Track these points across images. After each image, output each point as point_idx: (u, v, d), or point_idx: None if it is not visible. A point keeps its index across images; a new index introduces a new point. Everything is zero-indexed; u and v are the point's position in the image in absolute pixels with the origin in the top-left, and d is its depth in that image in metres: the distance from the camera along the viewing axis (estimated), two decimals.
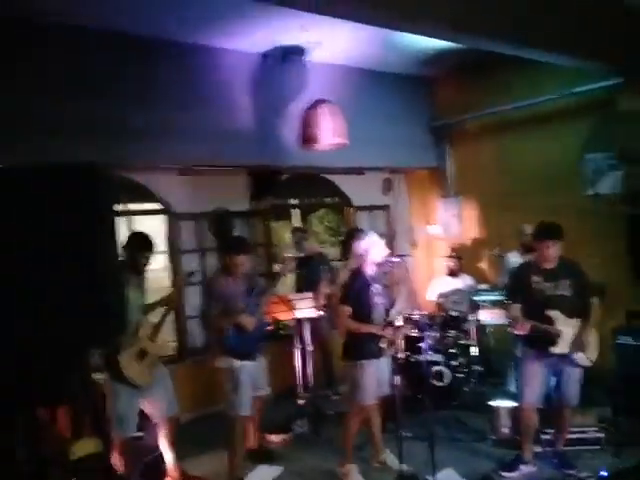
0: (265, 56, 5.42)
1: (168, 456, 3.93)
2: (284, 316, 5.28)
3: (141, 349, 3.67)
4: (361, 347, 3.90)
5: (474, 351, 5.43)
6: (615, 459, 3.95)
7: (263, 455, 4.44)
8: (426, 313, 5.56)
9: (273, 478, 4.14)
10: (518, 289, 3.88)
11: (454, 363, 5.26)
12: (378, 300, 3.97)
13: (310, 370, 5.25)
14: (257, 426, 4.48)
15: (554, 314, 3.75)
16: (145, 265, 3.83)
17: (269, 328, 5.72)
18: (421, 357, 4.85)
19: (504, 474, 3.90)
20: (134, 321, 3.66)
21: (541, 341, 3.76)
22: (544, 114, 5.97)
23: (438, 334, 5.39)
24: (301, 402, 5.09)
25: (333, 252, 7.51)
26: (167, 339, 4.04)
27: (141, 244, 3.81)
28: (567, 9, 4.35)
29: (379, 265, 4.05)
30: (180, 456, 4.06)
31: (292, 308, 5.05)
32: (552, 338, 3.74)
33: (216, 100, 5.07)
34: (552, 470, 3.96)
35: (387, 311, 4.02)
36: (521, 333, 3.74)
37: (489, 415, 4.51)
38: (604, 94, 5.40)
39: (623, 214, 5.12)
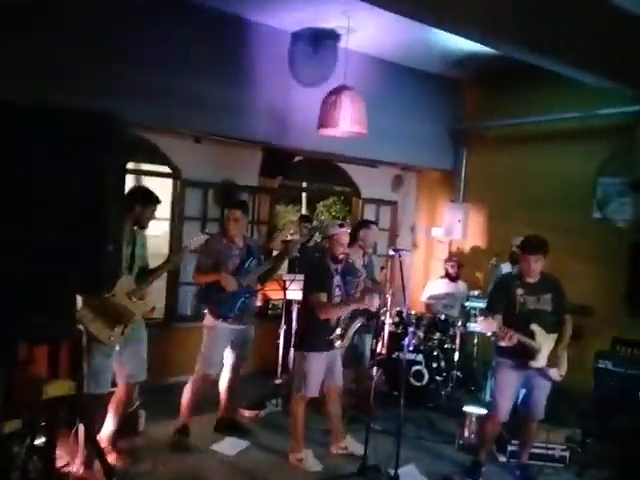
0: (296, 36, 5.42)
1: (109, 423, 3.78)
2: (275, 295, 5.34)
3: (114, 306, 3.53)
4: (312, 339, 3.92)
5: (456, 356, 5.46)
6: (577, 478, 4.00)
7: (232, 427, 4.49)
8: (414, 312, 5.59)
9: (238, 451, 4.20)
10: (501, 300, 3.89)
11: (434, 365, 5.30)
12: (338, 292, 3.99)
13: (292, 352, 5.29)
14: (229, 398, 4.50)
15: (535, 328, 3.77)
16: (142, 221, 3.77)
17: (258, 304, 5.79)
18: (402, 355, 4.87)
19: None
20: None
21: (521, 354, 3.78)
22: (564, 132, 5.93)
23: (423, 335, 5.42)
24: (278, 381, 5.14)
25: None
26: (153, 301, 3.95)
27: (144, 197, 3.75)
28: (601, 29, 4.30)
29: (345, 258, 4.05)
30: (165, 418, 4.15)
31: (284, 288, 5.10)
32: (532, 352, 3.75)
33: (240, 73, 5.09)
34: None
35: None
36: (506, 345, 3.74)
37: (460, 420, 4.54)
38: (626, 120, 5.36)
39: (626, 241, 5.09)
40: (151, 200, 3.77)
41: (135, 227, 3.77)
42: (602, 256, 5.49)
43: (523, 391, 3.94)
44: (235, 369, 4.42)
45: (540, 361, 3.77)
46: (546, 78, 5.24)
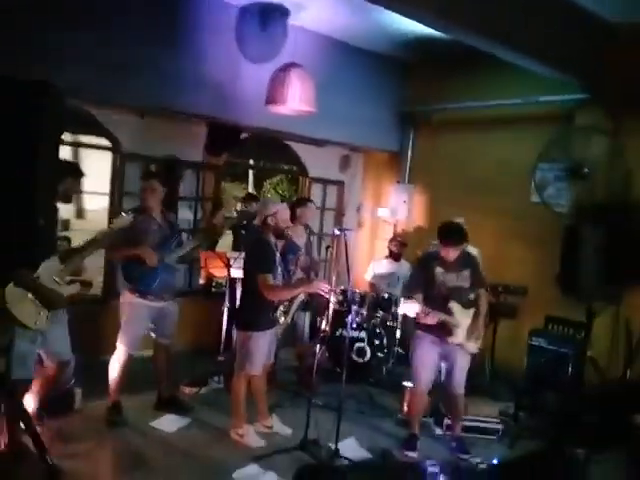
0: (244, 10, 5.28)
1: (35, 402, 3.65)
2: (218, 272, 5.28)
3: (41, 289, 3.30)
4: (256, 318, 3.90)
5: (398, 333, 5.58)
6: (509, 450, 4.17)
7: (172, 404, 4.43)
8: (358, 290, 5.66)
9: (179, 428, 4.16)
10: (420, 279, 4.01)
11: (377, 342, 5.40)
12: (279, 271, 3.97)
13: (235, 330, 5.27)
14: (164, 376, 4.42)
15: (454, 305, 3.92)
16: (67, 196, 3.54)
17: (201, 282, 5.72)
18: (345, 331, 4.93)
19: (408, 453, 4.05)
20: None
21: (439, 330, 3.92)
22: (508, 117, 6.08)
23: (366, 313, 5.50)
24: (221, 359, 5.11)
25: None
26: (84, 279, 3.76)
27: (67, 171, 3.52)
28: (548, 19, 4.44)
29: (282, 235, 4.02)
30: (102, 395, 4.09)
31: (228, 266, 5.04)
32: (451, 329, 3.90)
33: (185, 45, 4.92)
34: (444, 453, 4.13)
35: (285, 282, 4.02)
36: (428, 323, 3.85)
37: (399, 395, 4.65)
38: (566, 107, 5.55)
39: (561, 225, 5.29)
40: (73, 173, 3.56)
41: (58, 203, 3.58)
42: (538, 239, 5.70)
43: (444, 366, 4.08)
44: (161, 347, 4.35)
45: (459, 337, 3.92)
46: (492, 64, 5.32)
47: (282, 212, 3.98)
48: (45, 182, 2.43)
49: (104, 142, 5.46)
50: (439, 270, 3.95)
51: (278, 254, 4.00)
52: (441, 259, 3.98)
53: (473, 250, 5.40)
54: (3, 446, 3.23)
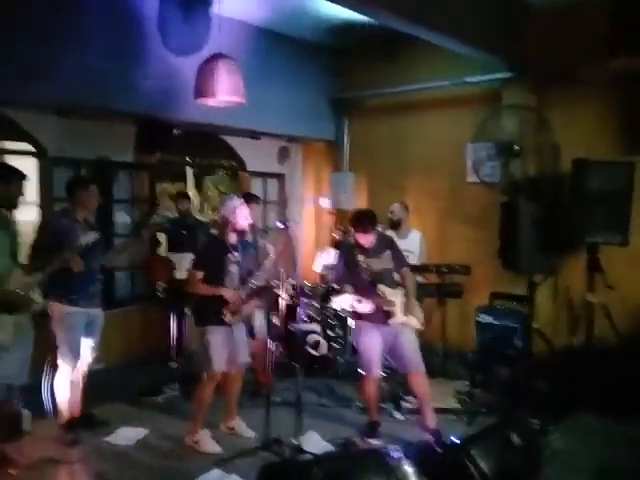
0: (165, 0, 5.07)
1: None
2: (162, 277, 5.11)
3: (7, 301, 3.22)
4: (207, 312, 3.86)
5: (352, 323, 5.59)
6: (467, 427, 4.25)
7: (88, 422, 4.19)
8: (307, 283, 5.62)
9: (137, 440, 4.02)
10: (347, 270, 4.05)
11: (331, 334, 5.39)
12: (233, 269, 3.91)
13: (186, 334, 5.13)
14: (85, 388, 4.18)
15: (383, 288, 3.98)
16: (11, 200, 3.40)
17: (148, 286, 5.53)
18: (298, 325, 4.91)
19: (371, 440, 4.05)
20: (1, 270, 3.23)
21: (377, 315, 3.98)
22: (439, 100, 6.18)
23: (319, 305, 5.48)
24: (174, 365, 4.96)
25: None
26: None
27: (5, 174, 3.38)
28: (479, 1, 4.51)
29: (242, 233, 3.99)
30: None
31: (172, 268, 4.89)
32: (389, 311, 3.96)
33: (105, 41, 4.64)
34: (405, 438, 4.11)
35: (243, 281, 3.95)
36: (365, 310, 3.91)
37: (357, 383, 4.66)
38: (494, 87, 5.69)
39: (497, 203, 5.45)
40: (14, 175, 3.40)
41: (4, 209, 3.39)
42: (477, 217, 5.86)
43: (393, 350, 4.09)
44: (90, 358, 4.15)
45: (399, 316, 4.00)
46: (419, 47, 5.40)
47: (243, 209, 3.93)
48: None
49: (27, 147, 5.14)
50: (361, 257, 3.99)
51: (237, 253, 3.92)
52: (360, 246, 4.03)
53: (416, 233, 5.50)
54: None
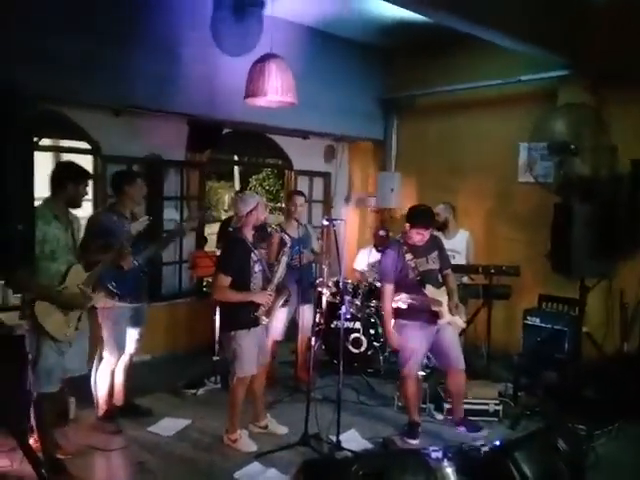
0: (219, 2, 5.19)
1: None
2: (208, 272, 5.20)
3: (69, 298, 3.28)
4: (237, 317, 3.77)
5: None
6: (510, 431, 4.15)
7: (133, 411, 4.32)
8: (350, 281, 5.61)
9: (177, 431, 4.10)
10: (394, 269, 4.00)
11: (372, 332, 5.37)
12: (258, 268, 3.85)
13: None
14: (128, 379, 4.31)
15: (429, 288, 3.94)
16: (77, 200, 3.44)
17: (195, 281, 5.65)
18: (340, 323, 4.89)
19: (409, 441, 4.02)
20: (62, 267, 3.29)
21: (422, 314, 3.94)
22: (491, 99, 6.06)
23: (361, 303, 5.46)
24: (216, 359, 5.04)
25: (271, 218, 7.43)
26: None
27: (74, 173, 3.41)
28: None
29: (259, 230, 3.94)
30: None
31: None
32: (437, 311, 3.93)
33: (161, 41, 4.81)
34: (451, 438, 4.07)
35: (267, 279, 3.89)
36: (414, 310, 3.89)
37: (397, 383, 4.61)
38: (549, 85, 5.53)
39: (549, 203, 5.29)
40: (82, 175, 3.44)
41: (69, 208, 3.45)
42: (527, 218, 5.71)
43: (436, 347, 4.08)
44: (133, 350, 4.26)
45: (447, 316, 3.97)
46: (473, 45, 5.29)
47: (260, 206, 3.86)
48: (21, 188, 2.35)
49: (83, 145, 5.35)
50: (409, 257, 3.95)
51: (256, 252, 3.87)
52: (409, 245, 3.97)
53: (463, 233, 5.40)
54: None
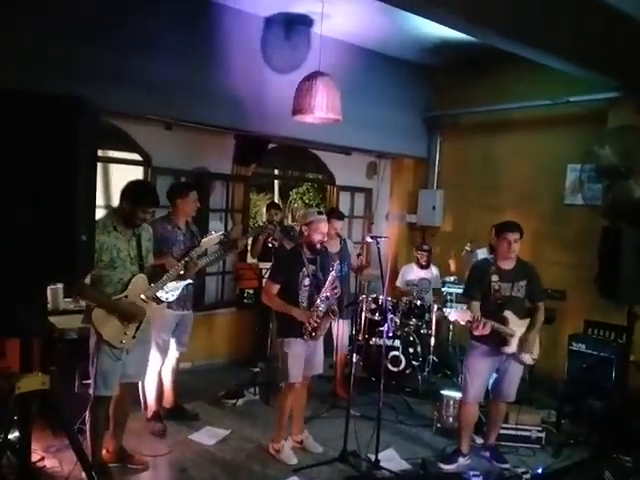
0: (269, 21, 5.33)
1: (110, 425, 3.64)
2: (250, 284, 5.29)
3: (130, 310, 3.34)
4: (289, 324, 3.81)
5: (432, 341, 5.51)
6: (553, 459, 4.06)
7: (180, 415, 4.44)
8: (390, 299, 5.61)
9: (217, 440, 4.15)
10: (476, 286, 3.91)
11: (411, 350, 5.34)
12: (307, 283, 3.87)
13: (270, 340, 5.26)
14: (175, 383, 4.44)
15: (508, 314, 3.81)
16: (143, 219, 3.42)
17: (236, 293, 5.72)
18: (380, 341, 4.90)
19: (442, 465, 3.96)
20: (123, 276, 3.37)
21: (494, 340, 3.81)
22: (537, 119, 6.01)
23: (400, 321, 5.45)
24: (255, 370, 5.10)
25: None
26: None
27: (142, 195, 3.39)
28: (577, 17, 4.37)
29: (320, 247, 3.91)
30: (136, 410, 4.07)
31: (259, 277, 5.05)
32: (506, 338, 3.80)
33: (212, 59, 4.97)
34: (487, 464, 4.03)
35: (316, 295, 3.87)
36: (479, 333, 3.72)
37: (437, 404, 4.58)
38: (598, 107, 5.44)
39: (596, 226, 5.19)
40: (141, 199, 3.37)
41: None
42: (574, 241, 5.60)
43: (494, 375, 3.98)
44: (177, 356, 4.38)
45: (513, 346, 3.82)
46: (518, 65, 5.28)
47: (320, 224, 3.86)
48: (85, 199, 2.44)
49: (133, 156, 5.53)
50: (495, 278, 3.85)
51: (312, 266, 3.90)
52: (497, 267, 3.89)
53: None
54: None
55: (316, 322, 3.83)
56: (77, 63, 4.12)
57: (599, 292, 4.57)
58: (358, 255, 5.60)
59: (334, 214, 5.08)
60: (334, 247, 4.88)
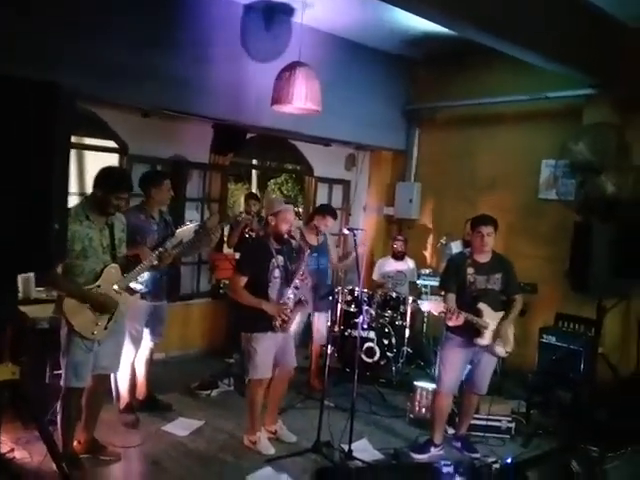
0: (248, 8, 5.26)
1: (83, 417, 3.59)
2: (226, 275, 5.25)
3: (101, 302, 3.29)
4: (257, 318, 3.73)
5: (407, 333, 5.56)
6: (522, 449, 4.14)
7: (154, 405, 4.42)
8: (366, 290, 5.64)
9: (191, 432, 4.14)
10: (453, 279, 3.95)
11: (386, 342, 5.39)
12: (277, 274, 3.81)
13: None
14: (148, 374, 4.40)
15: (483, 307, 3.86)
16: (117, 206, 3.35)
17: (213, 283, 5.69)
18: (355, 332, 4.92)
19: (414, 455, 4.01)
20: (95, 266, 3.31)
21: (468, 332, 3.85)
22: (515, 114, 6.06)
23: (375, 312, 5.49)
24: (230, 361, 5.09)
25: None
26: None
27: (115, 182, 3.34)
28: (555, 15, 4.42)
29: (287, 238, 3.87)
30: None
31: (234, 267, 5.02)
32: (480, 330, 3.84)
33: (190, 46, 4.89)
34: (458, 453, 4.10)
35: (286, 286, 3.84)
36: (453, 324, 3.77)
37: (410, 394, 4.63)
38: (574, 103, 5.51)
39: (569, 221, 5.28)
40: (115, 186, 3.31)
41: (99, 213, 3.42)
42: (547, 235, 5.70)
43: (468, 367, 4.02)
44: (152, 346, 4.35)
45: (486, 339, 3.86)
46: (496, 60, 5.31)
47: (287, 214, 3.82)
48: (58, 186, 2.40)
49: (109, 144, 5.44)
50: (470, 271, 3.89)
51: (280, 257, 3.84)
52: (472, 260, 3.94)
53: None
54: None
55: (287, 315, 3.79)
56: (54, 49, 4.03)
57: (570, 285, 4.67)
58: (337, 246, 5.61)
59: (330, 212, 5.07)
60: (313, 239, 4.89)
